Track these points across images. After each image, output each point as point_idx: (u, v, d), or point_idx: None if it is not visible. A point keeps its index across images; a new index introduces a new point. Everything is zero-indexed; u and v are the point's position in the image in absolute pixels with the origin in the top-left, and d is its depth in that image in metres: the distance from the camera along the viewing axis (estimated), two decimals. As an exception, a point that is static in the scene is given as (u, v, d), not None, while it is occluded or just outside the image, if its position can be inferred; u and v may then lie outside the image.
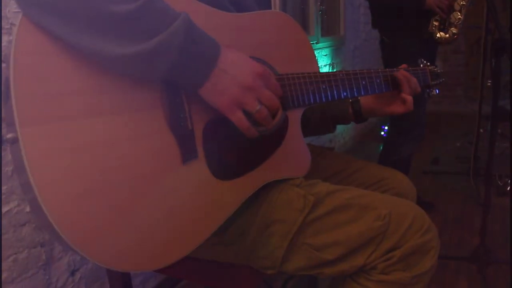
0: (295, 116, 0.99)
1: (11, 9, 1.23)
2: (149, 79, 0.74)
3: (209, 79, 0.76)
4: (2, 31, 1.22)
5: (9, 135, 0.64)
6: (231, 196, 0.85)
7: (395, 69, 1.17)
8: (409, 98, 1.13)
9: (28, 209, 1.31)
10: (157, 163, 0.74)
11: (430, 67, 1.28)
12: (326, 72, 1.03)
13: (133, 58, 0.68)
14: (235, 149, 0.86)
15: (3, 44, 1.22)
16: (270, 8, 1.15)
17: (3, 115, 0.72)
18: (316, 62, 1.08)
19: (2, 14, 1.21)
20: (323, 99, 1.01)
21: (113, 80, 0.71)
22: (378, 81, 1.12)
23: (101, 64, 0.69)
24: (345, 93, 1.05)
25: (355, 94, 1.08)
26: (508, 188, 2.72)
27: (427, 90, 1.30)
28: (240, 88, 0.78)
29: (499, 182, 2.78)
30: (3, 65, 1.19)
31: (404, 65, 1.22)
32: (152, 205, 0.73)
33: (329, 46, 3.53)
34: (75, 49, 0.68)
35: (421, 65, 1.27)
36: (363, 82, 1.09)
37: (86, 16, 0.66)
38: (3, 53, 1.21)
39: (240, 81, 0.78)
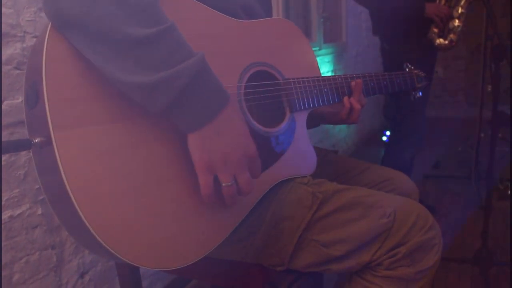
0: (302, 118, 1.03)
1: (25, 17, 1.26)
2: (148, 109, 0.70)
3: (200, 130, 0.71)
4: (15, 38, 1.25)
5: (38, 139, 0.66)
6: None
7: (387, 73, 1.22)
8: (357, 107, 1.10)
9: (40, 211, 1.34)
10: (179, 164, 0.76)
11: (415, 71, 1.33)
12: (327, 76, 1.07)
13: (133, 88, 0.67)
14: None
15: (16, 51, 1.25)
16: (271, 15, 1.18)
17: (28, 120, 0.74)
18: (317, 67, 1.11)
19: (16, 23, 1.24)
20: (325, 102, 1.05)
21: None
22: (372, 84, 1.17)
23: None
24: (345, 96, 1.10)
25: None
26: (509, 192, 2.74)
27: (413, 93, 1.35)
28: (223, 157, 0.73)
29: (500, 186, 2.80)
30: (17, 71, 1.24)
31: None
32: (177, 204, 0.75)
33: (331, 53, 3.55)
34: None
35: (407, 69, 1.32)
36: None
37: (103, 37, 0.65)
38: (17, 60, 1.25)
39: (226, 152, 0.73)
